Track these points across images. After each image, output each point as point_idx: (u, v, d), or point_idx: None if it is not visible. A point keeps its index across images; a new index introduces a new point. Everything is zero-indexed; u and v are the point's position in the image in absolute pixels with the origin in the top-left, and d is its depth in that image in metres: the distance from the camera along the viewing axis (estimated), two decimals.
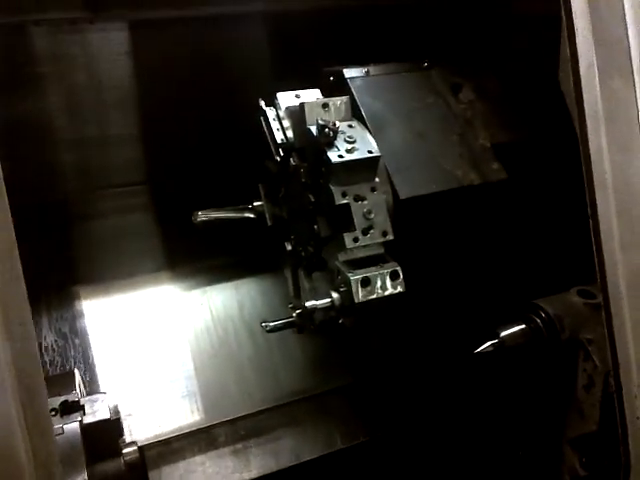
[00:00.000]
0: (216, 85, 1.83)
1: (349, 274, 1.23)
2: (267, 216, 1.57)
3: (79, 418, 1.23)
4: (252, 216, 1.58)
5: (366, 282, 1.22)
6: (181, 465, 1.56)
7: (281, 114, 1.40)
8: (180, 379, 1.74)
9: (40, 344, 1.68)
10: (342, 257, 1.27)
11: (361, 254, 1.26)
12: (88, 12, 1.50)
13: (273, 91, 1.43)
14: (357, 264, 1.26)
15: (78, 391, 1.32)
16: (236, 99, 1.54)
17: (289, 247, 1.55)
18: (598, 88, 1.13)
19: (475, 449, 1.68)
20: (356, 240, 1.24)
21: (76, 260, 1.85)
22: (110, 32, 1.69)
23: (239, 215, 1.59)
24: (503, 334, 1.44)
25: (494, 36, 1.72)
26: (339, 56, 1.59)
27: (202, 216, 1.57)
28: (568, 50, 1.16)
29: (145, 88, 1.81)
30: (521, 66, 1.63)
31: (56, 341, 1.72)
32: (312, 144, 1.29)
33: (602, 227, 1.14)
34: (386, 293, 1.23)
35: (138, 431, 1.61)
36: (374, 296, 1.23)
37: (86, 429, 1.23)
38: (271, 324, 1.41)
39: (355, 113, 1.39)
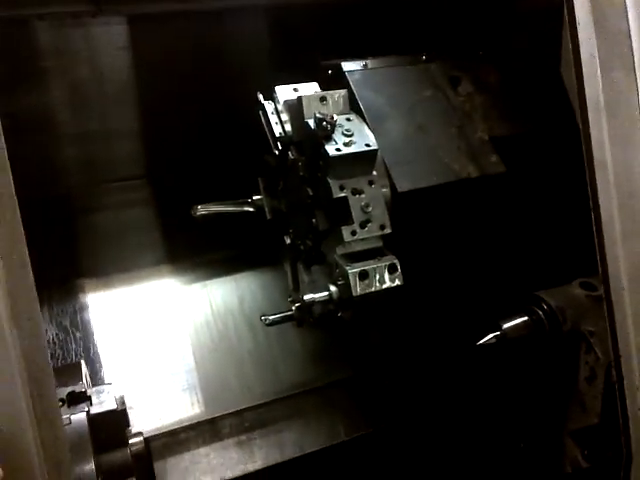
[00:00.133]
0: (217, 79, 1.84)
1: (347, 267, 1.24)
2: (266, 210, 1.57)
3: (86, 408, 1.25)
4: (251, 210, 1.59)
5: (364, 275, 1.23)
6: (186, 456, 1.58)
7: (279, 108, 1.40)
8: (181, 372, 1.75)
9: None
10: (340, 250, 1.27)
11: (359, 247, 1.27)
12: (91, 5, 1.51)
13: (274, 85, 1.43)
14: (355, 257, 1.26)
15: (85, 382, 1.34)
16: (236, 93, 1.54)
17: (288, 241, 1.56)
18: (599, 80, 1.14)
19: (477, 441, 1.69)
20: (354, 233, 1.24)
21: (76, 254, 1.87)
22: (113, 26, 1.69)
23: (238, 209, 1.60)
24: (505, 326, 1.45)
25: (495, 28, 1.71)
26: (340, 49, 1.60)
27: (202, 210, 1.58)
28: (570, 42, 1.17)
29: (146, 82, 1.81)
30: (522, 59, 1.63)
31: (57, 334, 1.74)
32: (310, 137, 1.29)
33: (603, 218, 1.15)
34: (384, 286, 1.24)
35: (139, 424, 1.61)
36: (372, 289, 1.23)
37: (93, 419, 1.25)
38: (270, 317, 1.42)
39: (353, 106, 1.39)
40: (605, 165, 1.15)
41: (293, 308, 1.38)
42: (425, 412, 1.70)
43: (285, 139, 1.39)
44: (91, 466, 1.18)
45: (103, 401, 1.30)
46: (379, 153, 1.32)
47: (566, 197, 1.47)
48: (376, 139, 1.33)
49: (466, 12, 1.75)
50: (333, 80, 1.50)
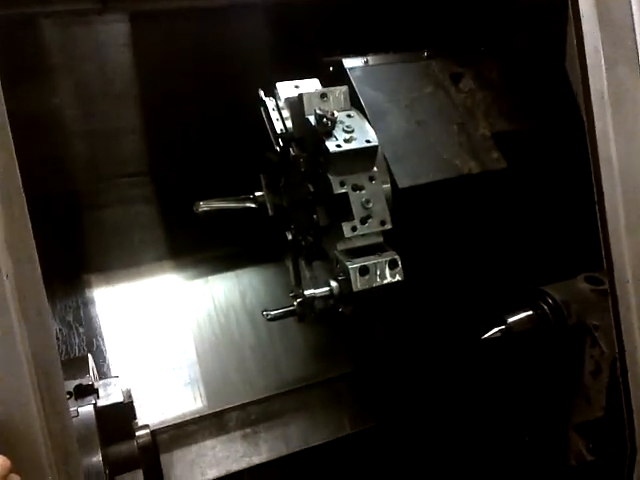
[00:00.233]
0: (219, 77, 1.84)
1: (347, 263, 1.24)
2: (268, 206, 1.58)
3: (93, 401, 1.27)
4: (253, 206, 1.59)
5: (364, 271, 1.24)
6: (193, 449, 1.59)
7: (280, 104, 1.41)
8: (183, 367, 1.76)
9: None
10: (341, 246, 1.28)
11: (360, 243, 1.27)
12: (97, 3, 1.52)
13: (276, 82, 1.43)
14: (356, 253, 1.27)
15: (92, 375, 1.36)
16: (238, 90, 1.54)
17: (290, 237, 1.57)
18: (604, 74, 1.15)
19: (482, 435, 1.70)
20: (354, 229, 1.25)
21: (79, 250, 1.87)
22: (118, 24, 1.70)
23: (240, 205, 1.60)
24: (510, 320, 1.47)
25: (497, 24, 1.72)
26: (342, 46, 1.60)
27: (204, 206, 1.58)
28: (574, 36, 1.17)
29: (150, 80, 1.81)
30: (525, 54, 1.64)
31: (61, 329, 1.74)
32: (311, 134, 1.30)
33: (608, 212, 1.16)
34: (384, 282, 1.24)
35: (142, 417, 1.62)
36: (372, 285, 1.24)
37: (100, 412, 1.27)
38: (272, 313, 1.42)
39: (354, 103, 1.40)
40: (610, 159, 1.15)
41: (295, 303, 1.38)
42: (430, 406, 1.71)
43: (286, 136, 1.40)
44: (98, 458, 1.20)
45: (110, 394, 1.32)
46: (380, 149, 1.32)
47: (570, 192, 1.48)
48: (377, 135, 1.33)
49: (468, 8, 1.75)
50: (334, 76, 1.51)
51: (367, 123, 1.38)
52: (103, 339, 1.77)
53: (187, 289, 1.90)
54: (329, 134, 1.25)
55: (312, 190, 1.35)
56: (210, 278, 1.92)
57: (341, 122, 1.27)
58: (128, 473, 1.32)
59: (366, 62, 1.52)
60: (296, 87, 1.41)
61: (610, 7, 1.15)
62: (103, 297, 1.84)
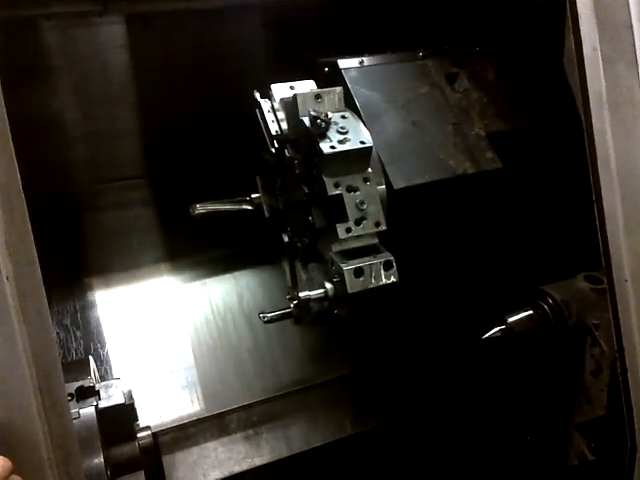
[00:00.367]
0: (217, 78, 1.85)
1: (342, 264, 1.24)
2: (265, 208, 1.58)
3: (94, 403, 1.28)
4: (250, 208, 1.60)
5: (359, 272, 1.23)
6: (194, 450, 1.60)
7: (276, 106, 1.41)
8: (180, 370, 1.77)
9: None
10: (336, 248, 1.27)
11: (354, 245, 1.27)
12: (98, 6, 1.53)
13: (272, 83, 1.43)
14: (350, 255, 1.27)
15: (93, 377, 1.38)
16: (237, 91, 1.55)
17: (286, 238, 1.57)
18: (602, 74, 1.15)
19: (483, 435, 1.70)
20: (349, 231, 1.24)
21: (76, 253, 1.89)
22: (118, 26, 1.71)
23: (237, 207, 1.61)
24: (510, 320, 1.47)
25: (495, 23, 1.72)
26: (338, 47, 1.60)
27: (200, 209, 1.58)
28: (572, 36, 1.18)
29: (148, 82, 1.83)
30: (522, 54, 1.64)
31: (58, 333, 1.75)
32: (305, 135, 1.30)
33: (606, 211, 1.16)
34: (379, 283, 1.24)
35: (139, 420, 1.63)
36: (367, 286, 1.23)
37: (101, 413, 1.27)
38: (269, 315, 1.43)
39: (350, 104, 1.40)
40: (608, 158, 1.16)
41: (291, 305, 1.39)
42: (431, 406, 1.72)
43: (281, 137, 1.40)
44: (100, 459, 1.20)
45: (111, 395, 1.33)
46: (375, 150, 1.33)
47: (568, 191, 1.49)
48: (372, 136, 1.33)
49: (466, 7, 1.76)
50: (330, 77, 1.51)
51: (362, 124, 1.38)
52: (100, 342, 1.78)
53: (184, 291, 1.91)
54: (323, 135, 1.25)
55: (307, 192, 1.36)
56: (207, 281, 1.93)
57: (335, 123, 1.27)
58: (130, 475, 1.32)
59: (361, 63, 1.52)
60: (291, 88, 1.41)
61: (608, 7, 1.15)
62: (101, 300, 1.85)
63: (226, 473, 1.59)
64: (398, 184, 1.37)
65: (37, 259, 0.89)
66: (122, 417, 1.33)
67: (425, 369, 1.72)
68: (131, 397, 1.36)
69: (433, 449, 1.73)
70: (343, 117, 1.30)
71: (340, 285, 1.26)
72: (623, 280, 1.17)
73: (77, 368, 1.39)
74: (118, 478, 1.31)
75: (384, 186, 1.37)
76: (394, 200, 1.37)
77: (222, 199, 1.61)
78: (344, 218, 1.25)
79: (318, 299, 1.31)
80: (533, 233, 1.58)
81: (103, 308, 1.84)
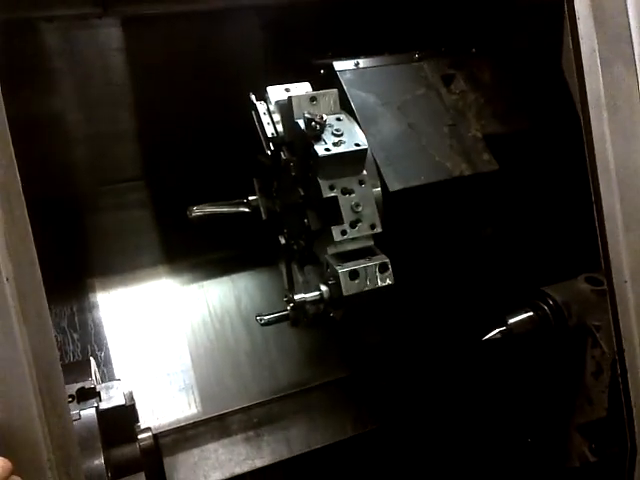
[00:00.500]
0: (215, 81, 1.85)
1: (337, 267, 1.24)
2: (262, 210, 1.58)
3: (95, 404, 1.28)
4: (247, 210, 1.60)
5: (354, 275, 1.23)
6: (195, 452, 1.61)
7: (271, 108, 1.41)
8: (177, 372, 1.78)
9: None
10: (331, 250, 1.28)
11: (350, 247, 1.27)
12: (98, 8, 1.54)
13: (270, 86, 1.44)
14: (346, 257, 1.27)
15: (94, 378, 1.39)
16: (235, 93, 1.56)
17: (283, 241, 1.58)
18: (600, 75, 1.16)
19: (484, 436, 1.71)
20: (344, 233, 1.25)
21: (74, 255, 1.89)
22: (118, 28, 1.72)
23: (234, 210, 1.61)
24: (511, 321, 1.48)
25: (493, 25, 1.72)
26: (335, 49, 1.60)
27: (197, 211, 1.59)
28: (570, 37, 1.19)
29: (147, 84, 1.83)
30: (520, 55, 1.64)
31: (55, 336, 1.76)
32: (300, 138, 1.30)
33: (605, 212, 1.17)
34: (375, 286, 1.24)
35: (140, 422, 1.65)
36: (362, 289, 1.23)
37: (102, 415, 1.28)
38: (266, 317, 1.43)
39: (345, 106, 1.40)
40: (607, 159, 1.17)
41: (288, 308, 1.39)
42: (432, 408, 1.72)
43: (277, 139, 1.41)
44: (100, 460, 1.21)
45: (112, 397, 1.33)
46: (370, 152, 1.33)
47: (567, 192, 1.49)
48: (368, 138, 1.34)
49: (463, 9, 1.76)
50: (326, 80, 1.51)
51: (357, 126, 1.39)
52: (97, 345, 1.79)
53: (182, 294, 1.92)
54: (318, 138, 1.26)
55: (303, 194, 1.36)
56: (205, 283, 1.94)
57: (330, 125, 1.27)
58: (130, 476, 1.33)
59: (357, 65, 1.52)
60: (286, 90, 1.42)
61: (606, 8, 1.16)
62: (98, 303, 1.86)
63: (227, 474, 1.60)
64: (394, 186, 1.38)
65: (37, 260, 0.90)
66: (123, 418, 1.34)
67: (424, 371, 1.73)
68: (132, 398, 1.37)
69: (433, 451, 1.74)
70: (338, 119, 1.30)
71: (335, 287, 1.26)
72: (622, 281, 1.17)
73: (78, 369, 1.40)
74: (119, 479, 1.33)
75: (379, 188, 1.38)
76: (390, 202, 1.37)
77: (220, 201, 1.61)
78: (339, 220, 1.25)
79: (313, 301, 1.32)
80: (533, 234, 1.59)
81: (100, 310, 1.85)
